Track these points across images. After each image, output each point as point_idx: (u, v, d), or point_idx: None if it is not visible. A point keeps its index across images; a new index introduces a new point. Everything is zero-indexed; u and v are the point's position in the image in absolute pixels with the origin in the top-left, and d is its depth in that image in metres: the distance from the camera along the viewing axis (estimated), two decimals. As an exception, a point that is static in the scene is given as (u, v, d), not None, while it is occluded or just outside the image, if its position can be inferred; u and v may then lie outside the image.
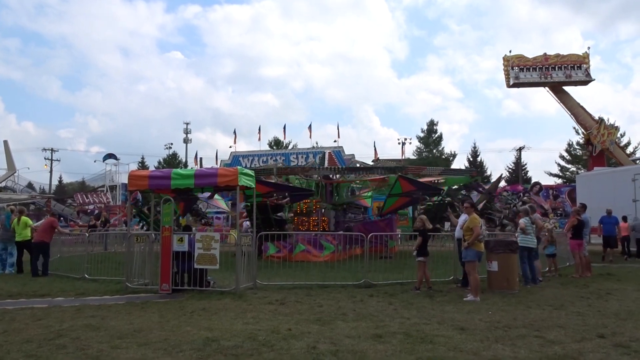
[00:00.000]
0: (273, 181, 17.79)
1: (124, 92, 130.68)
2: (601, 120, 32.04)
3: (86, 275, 11.28)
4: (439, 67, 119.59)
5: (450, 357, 5.11)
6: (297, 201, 17.97)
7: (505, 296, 8.93)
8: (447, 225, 17.63)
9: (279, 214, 17.19)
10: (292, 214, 18.65)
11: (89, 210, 37.29)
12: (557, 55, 33.30)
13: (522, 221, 10.67)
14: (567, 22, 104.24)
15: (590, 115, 32.43)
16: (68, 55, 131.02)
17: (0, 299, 8.78)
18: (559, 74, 32.89)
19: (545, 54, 33.53)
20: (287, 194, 17.31)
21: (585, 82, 33.32)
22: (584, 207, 13.60)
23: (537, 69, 33.21)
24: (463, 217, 9.87)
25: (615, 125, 35.11)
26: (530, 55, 33.92)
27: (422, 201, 17.44)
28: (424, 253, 9.81)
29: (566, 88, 33.27)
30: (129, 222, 12.65)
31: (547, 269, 12.19)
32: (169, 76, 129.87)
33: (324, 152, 25.24)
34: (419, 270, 9.76)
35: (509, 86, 34.47)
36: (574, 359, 5.08)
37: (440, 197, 17.60)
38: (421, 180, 17.90)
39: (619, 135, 32.13)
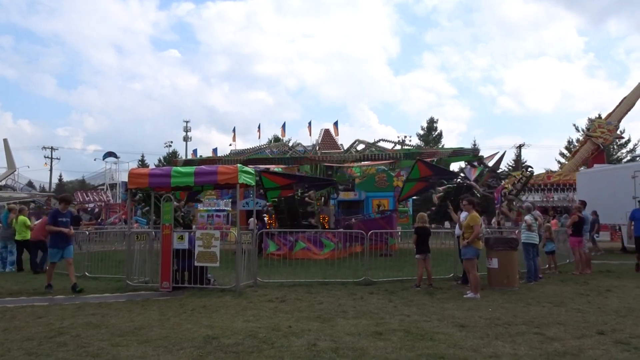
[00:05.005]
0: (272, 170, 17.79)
1: (119, 89, 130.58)
2: (591, 120, 31.71)
3: (86, 273, 11.29)
4: (435, 64, 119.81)
5: (450, 354, 5.11)
6: (318, 190, 17.92)
7: (505, 293, 8.93)
8: (446, 222, 17.61)
9: (307, 207, 17.08)
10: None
11: (89, 209, 37.29)
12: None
13: (528, 217, 10.69)
14: (559, 18, 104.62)
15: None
16: (61, 53, 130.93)
17: (1, 297, 8.79)
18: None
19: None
20: (306, 185, 17.27)
21: None
22: (584, 204, 13.61)
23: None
24: (463, 214, 9.87)
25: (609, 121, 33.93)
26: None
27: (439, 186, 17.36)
28: (420, 250, 9.83)
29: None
30: (129, 221, 12.66)
31: (547, 266, 12.21)
32: (163, 74, 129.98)
33: (322, 129, 25.09)
34: (418, 268, 9.77)
35: None
36: (574, 356, 5.08)
37: (457, 181, 17.40)
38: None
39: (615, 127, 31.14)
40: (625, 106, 28.80)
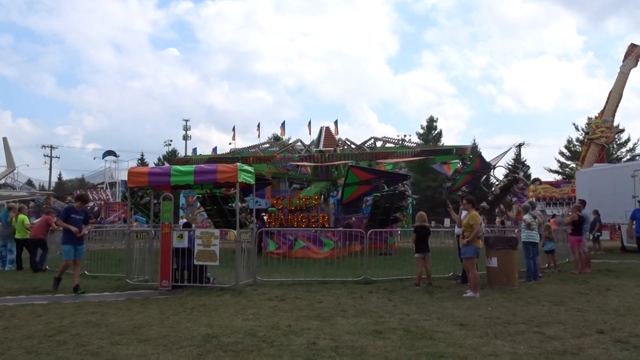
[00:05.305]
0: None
1: (119, 88, 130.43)
2: (588, 124, 31.57)
3: (86, 272, 11.28)
4: (434, 63, 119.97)
5: (449, 353, 5.11)
6: (391, 185, 17.85)
7: (504, 292, 8.94)
8: (447, 221, 17.71)
9: (400, 203, 16.78)
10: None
11: (88, 207, 37.24)
12: None
13: (527, 217, 10.69)
14: (558, 17, 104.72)
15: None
16: (61, 52, 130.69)
17: (1, 295, 8.78)
18: None
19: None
20: (382, 180, 17.11)
21: None
22: (583, 203, 13.62)
23: None
24: (463, 213, 9.87)
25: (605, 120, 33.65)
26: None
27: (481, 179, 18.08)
28: (419, 249, 9.83)
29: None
30: (128, 219, 12.66)
31: (547, 265, 12.21)
32: (163, 72, 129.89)
33: (322, 127, 25.03)
34: (418, 267, 9.78)
35: None
36: (574, 355, 5.08)
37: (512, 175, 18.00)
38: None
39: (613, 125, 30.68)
40: (613, 99, 28.64)
